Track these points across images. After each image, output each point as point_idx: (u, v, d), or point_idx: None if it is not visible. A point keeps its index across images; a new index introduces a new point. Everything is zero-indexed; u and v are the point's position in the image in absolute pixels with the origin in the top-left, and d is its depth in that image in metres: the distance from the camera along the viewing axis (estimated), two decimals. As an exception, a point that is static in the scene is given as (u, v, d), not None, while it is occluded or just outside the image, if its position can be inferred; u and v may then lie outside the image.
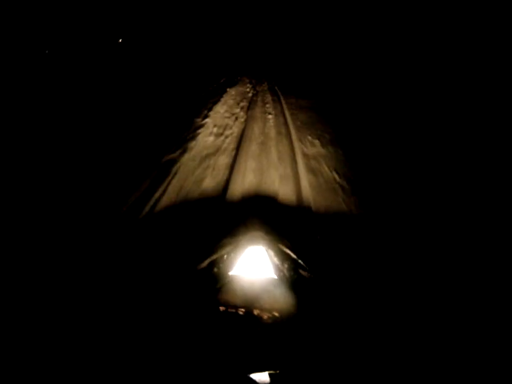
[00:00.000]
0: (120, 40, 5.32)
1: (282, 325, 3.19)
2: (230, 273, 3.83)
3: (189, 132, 4.51)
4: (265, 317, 3.22)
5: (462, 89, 4.39)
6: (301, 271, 4.08)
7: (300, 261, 4.08)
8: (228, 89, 5.07)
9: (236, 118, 4.80)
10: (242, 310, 3.21)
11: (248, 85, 5.24)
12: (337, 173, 4.40)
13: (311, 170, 4.41)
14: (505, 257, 3.12)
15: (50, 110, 4.46)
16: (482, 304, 2.95)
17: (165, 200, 4.08)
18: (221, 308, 3.22)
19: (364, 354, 2.85)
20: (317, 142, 4.51)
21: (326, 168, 4.43)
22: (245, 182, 4.35)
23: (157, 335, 2.88)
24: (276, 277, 3.89)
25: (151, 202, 4.07)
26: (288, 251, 4.13)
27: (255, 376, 2.81)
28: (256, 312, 3.21)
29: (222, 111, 4.80)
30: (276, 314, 3.22)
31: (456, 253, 3.45)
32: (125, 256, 3.58)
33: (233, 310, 3.23)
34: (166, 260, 3.79)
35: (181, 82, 5.16)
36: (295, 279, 3.82)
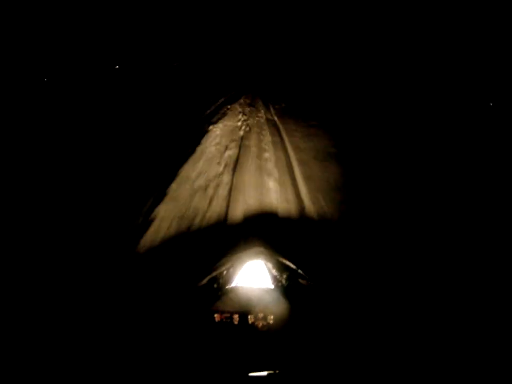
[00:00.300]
0: (117, 67, 5.58)
1: (277, 332, 3.19)
2: (228, 286, 3.89)
3: (188, 153, 4.68)
4: (260, 325, 3.23)
5: (459, 92, 4.42)
6: (300, 280, 4.09)
7: (299, 270, 4.09)
8: (225, 109, 5.23)
9: (233, 140, 4.93)
10: (237, 319, 3.25)
11: (243, 104, 5.40)
12: (334, 179, 4.38)
13: (308, 178, 4.40)
14: (504, 256, 3.10)
15: (50, 127, 4.69)
16: (481, 304, 2.92)
17: (165, 224, 4.17)
18: (217, 318, 3.27)
19: (359, 359, 2.80)
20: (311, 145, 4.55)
21: (322, 175, 4.42)
22: (245, 198, 4.40)
23: (157, 344, 2.93)
24: (272, 287, 3.91)
25: (152, 228, 4.16)
26: (288, 262, 4.16)
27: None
28: (251, 320, 3.23)
29: (219, 132, 4.96)
30: (271, 322, 3.23)
31: (456, 259, 3.39)
32: (130, 276, 3.72)
33: (229, 320, 3.27)
34: (168, 279, 3.88)
35: (180, 103, 5.32)
36: (292, 288, 3.83)
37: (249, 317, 3.25)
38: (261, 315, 3.27)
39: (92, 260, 3.41)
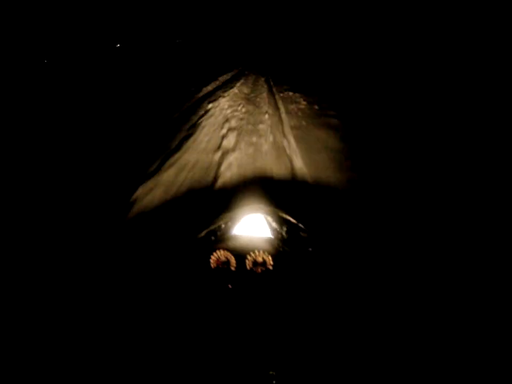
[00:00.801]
0: (118, 45, 5.43)
1: (277, 279, 2.97)
2: (226, 235, 3.66)
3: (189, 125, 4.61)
4: (259, 270, 3.01)
5: (459, 91, 4.37)
6: (301, 233, 3.92)
7: (300, 224, 3.95)
8: (225, 87, 5.33)
9: (234, 111, 5.04)
10: (234, 264, 3.02)
11: (244, 81, 5.45)
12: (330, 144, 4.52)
13: (301, 141, 4.61)
14: (505, 256, 3.13)
15: (46, 114, 4.54)
16: (482, 301, 2.91)
17: (162, 190, 4.06)
18: (212, 264, 3.03)
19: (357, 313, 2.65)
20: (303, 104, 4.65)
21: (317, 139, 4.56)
22: (241, 162, 4.43)
23: (154, 299, 2.75)
24: (272, 237, 3.71)
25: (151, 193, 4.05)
26: (288, 217, 4.01)
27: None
28: (249, 265, 3.01)
29: (221, 107, 5.02)
30: (270, 267, 3.00)
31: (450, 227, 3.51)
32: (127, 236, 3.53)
33: (225, 266, 3.04)
34: (166, 235, 3.71)
35: (180, 80, 5.33)
36: (293, 240, 3.63)
37: (247, 261, 3.01)
38: (260, 259, 3.03)
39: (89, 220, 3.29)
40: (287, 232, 3.94)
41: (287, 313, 2.76)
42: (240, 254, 2.97)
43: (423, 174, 3.86)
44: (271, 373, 2.35)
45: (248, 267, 2.93)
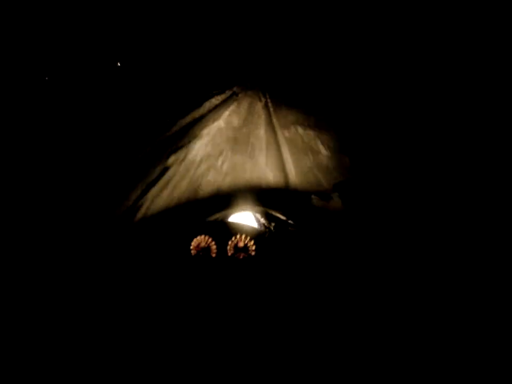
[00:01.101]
0: (119, 64, 5.62)
1: (260, 267, 2.81)
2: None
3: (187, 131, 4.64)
4: (241, 256, 2.85)
5: (458, 92, 4.49)
6: (289, 228, 3.82)
7: (289, 221, 3.86)
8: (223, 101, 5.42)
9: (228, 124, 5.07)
10: (215, 250, 2.87)
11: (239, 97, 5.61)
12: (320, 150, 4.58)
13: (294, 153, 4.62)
14: (504, 255, 3.02)
15: (46, 114, 4.65)
16: (481, 298, 2.82)
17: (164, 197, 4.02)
18: (193, 251, 2.89)
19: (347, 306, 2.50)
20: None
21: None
22: (235, 169, 4.43)
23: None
24: (258, 228, 3.59)
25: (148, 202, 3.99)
26: (278, 214, 3.92)
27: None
28: (230, 251, 2.86)
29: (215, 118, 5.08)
30: (253, 253, 2.85)
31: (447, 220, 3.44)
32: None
33: (206, 252, 2.89)
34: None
35: (177, 91, 5.46)
36: (281, 233, 3.51)
37: (228, 247, 2.87)
38: (241, 244, 2.87)
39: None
40: (275, 227, 3.82)
41: (269, 301, 2.58)
42: (222, 240, 2.84)
43: (411, 170, 3.82)
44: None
45: (229, 253, 2.79)
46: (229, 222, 3.46)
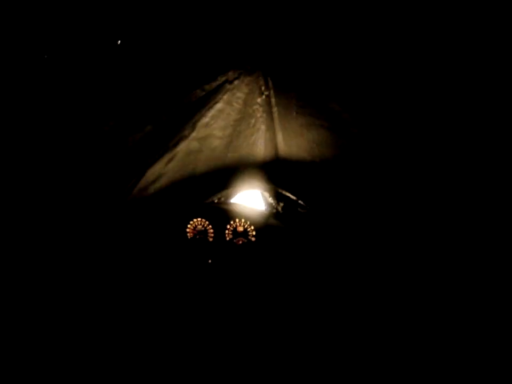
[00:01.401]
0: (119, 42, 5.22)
1: (260, 254, 2.59)
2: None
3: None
4: (240, 242, 2.64)
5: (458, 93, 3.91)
6: (299, 209, 3.53)
7: (300, 201, 3.56)
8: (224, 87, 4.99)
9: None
10: (212, 234, 2.68)
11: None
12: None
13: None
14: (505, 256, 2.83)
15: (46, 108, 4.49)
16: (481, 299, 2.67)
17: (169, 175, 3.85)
18: (189, 234, 2.72)
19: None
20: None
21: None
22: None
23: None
24: (264, 210, 3.32)
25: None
26: (288, 194, 3.63)
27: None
28: (228, 236, 2.65)
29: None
30: (253, 239, 2.63)
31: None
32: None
33: (202, 236, 2.71)
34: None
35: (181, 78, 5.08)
36: (288, 215, 3.23)
37: (226, 232, 2.66)
38: (240, 229, 2.65)
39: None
40: (283, 207, 3.54)
41: (266, 290, 2.39)
42: (221, 223, 2.62)
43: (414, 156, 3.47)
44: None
45: (227, 237, 2.58)
46: (232, 204, 3.22)
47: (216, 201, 3.62)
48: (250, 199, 3.72)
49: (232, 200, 3.61)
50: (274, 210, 3.41)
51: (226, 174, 3.96)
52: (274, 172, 3.92)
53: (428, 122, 3.62)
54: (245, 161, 4.05)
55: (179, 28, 4.42)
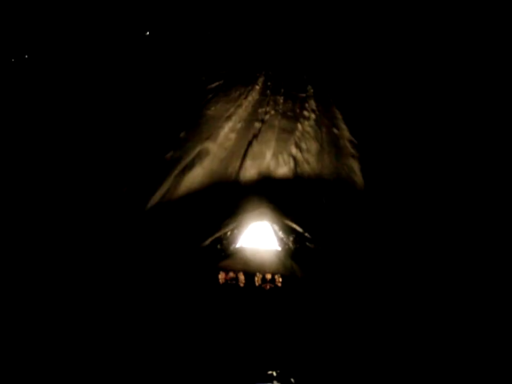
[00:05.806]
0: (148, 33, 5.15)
1: (285, 295, 3.03)
2: (233, 247, 3.68)
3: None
4: (268, 287, 3.06)
5: (459, 92, 4.21)
6: (307, 243, 3.93)
7: (306, 234, 3.94)
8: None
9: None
10: (243, 280, 3.06)
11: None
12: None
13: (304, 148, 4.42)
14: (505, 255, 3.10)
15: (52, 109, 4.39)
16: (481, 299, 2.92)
17: (176, 192, 3.95)
18: (221, 279, 3.07)
19: (367, 324, 2.70)
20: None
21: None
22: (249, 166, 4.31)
23: (160, 307, 2.78)
24: (279, 249, 3.73)
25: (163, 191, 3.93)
26: (294, 225, 4.00)
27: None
28: (258, 282, 3.05)
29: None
30: (279, 284, 3.06)
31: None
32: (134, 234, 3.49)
33: (234, 282, 3.08)
34: (170, 240, 3.67)
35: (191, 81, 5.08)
36: (300, 251, 3.66)
37: (256, 278, 3.06)
38: (268, 276, 3.07)
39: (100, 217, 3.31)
40: (293, 242, 3.95)
41: (294, 328, 2.83)
42: (249, 271, 3.01)
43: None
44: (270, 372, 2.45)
45: (257, 283, 2.98)
46: (251, 249, 3.56)
47: (229, 234, 3.93)
48: (261, 233, 4.04)
49: (244, 236, 3.91)
50: (287, 246, 3.82)
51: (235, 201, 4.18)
52: (279, 198, 4.20)
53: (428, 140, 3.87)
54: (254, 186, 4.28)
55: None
